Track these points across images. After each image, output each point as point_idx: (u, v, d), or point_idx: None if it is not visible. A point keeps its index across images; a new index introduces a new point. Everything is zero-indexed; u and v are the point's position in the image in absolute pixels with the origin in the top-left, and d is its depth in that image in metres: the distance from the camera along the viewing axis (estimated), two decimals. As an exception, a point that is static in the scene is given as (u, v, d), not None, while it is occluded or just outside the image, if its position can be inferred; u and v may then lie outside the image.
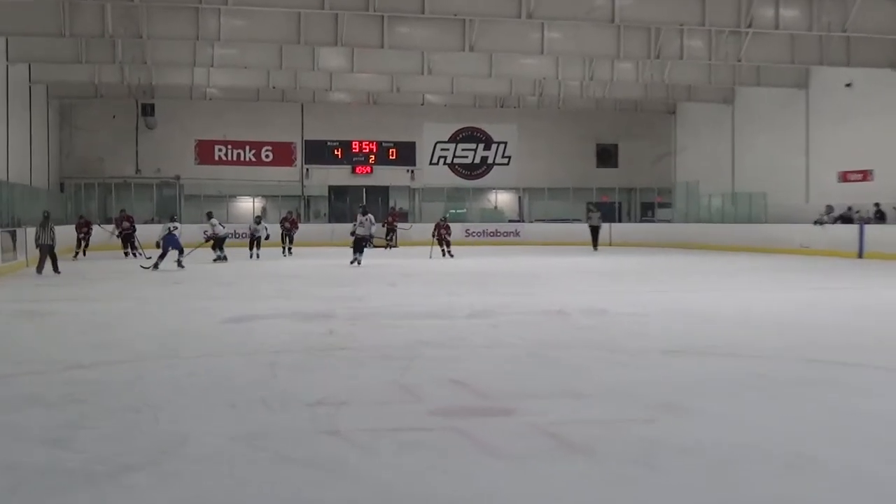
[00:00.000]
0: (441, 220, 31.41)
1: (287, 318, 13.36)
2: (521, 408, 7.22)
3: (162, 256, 24.17)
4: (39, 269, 22.09)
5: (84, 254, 29.95)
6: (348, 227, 38.30)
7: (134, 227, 31.16)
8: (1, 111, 29.66)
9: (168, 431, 6.57)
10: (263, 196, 43.47)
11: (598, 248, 35.85)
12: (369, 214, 26.16)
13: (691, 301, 16.17)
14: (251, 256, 29.35)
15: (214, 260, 27.20)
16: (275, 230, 32.33)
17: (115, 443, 6.29)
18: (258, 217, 32.51)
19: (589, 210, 37.76)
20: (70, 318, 13.73)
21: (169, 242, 24.26)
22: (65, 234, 28.84)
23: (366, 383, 8.28)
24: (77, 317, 13.82)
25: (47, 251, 22.25)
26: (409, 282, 20.57)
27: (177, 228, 24.55)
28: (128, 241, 30.69)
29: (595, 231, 36.38)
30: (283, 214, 33.53)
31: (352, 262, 25.09)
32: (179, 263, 24.29)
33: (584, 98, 40.67)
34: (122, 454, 6.00)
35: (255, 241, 30.06)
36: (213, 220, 28.20)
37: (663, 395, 7.71)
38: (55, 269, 22.32)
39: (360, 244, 25.55)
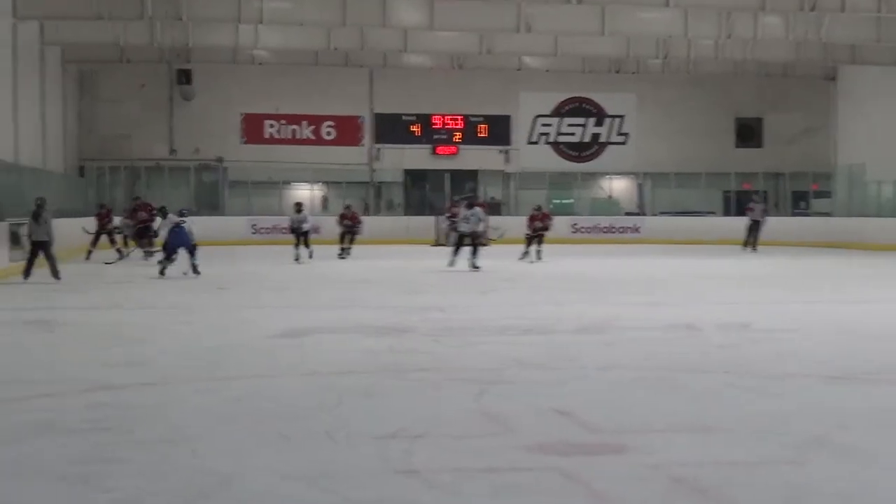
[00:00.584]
0: (535, 209, 30.28)
1: (353, 333, 13.46)
2: (639, 445, 7.22)
3: (168, 258, 23.13)
4: (26, 272, 21.21)
5: (120, 252, 28.82)
6: (426, 220, 38.70)
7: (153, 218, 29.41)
8: (6, 80, 30.12)
9: (208, 469, 6.65)
10: (324, 182, 43.80)
11: (756, 247, 34.57)
12: (477, 208, 26.12)
13: (852, 315, 15.99)
14: (296, 258, 28.17)
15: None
16: (329, 226, 32.25)
17: (144, 481, 6.38)
18: (299, 204, 30.23)
19: (752, 200, 36.08)
20: (92, 329, 13.99)
21: (177, 240, 23.13)
22: (74, 229, 29.34)
23: (449, 412, 8.34)
24: (100, 328, 14.07)
25: (40, 250, 21.41)
26: (505, 289, 20.60)
27: (185, 222, 23.45)
28: (144, 235, 29.34)
29: (756, 227, 34.87)
30: (342, 210, 33.17)
31: (449, 265, 24.93)
32: (194, 269, 23.11)
33: (720, 61, 40.35)
34: (153, 495, 6.10)
35: (301, 237, 28.74)
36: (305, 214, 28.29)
37: (815, 431, 7.65)
38: (54, 273, 21.38)
39: (462, 242, 25.54)
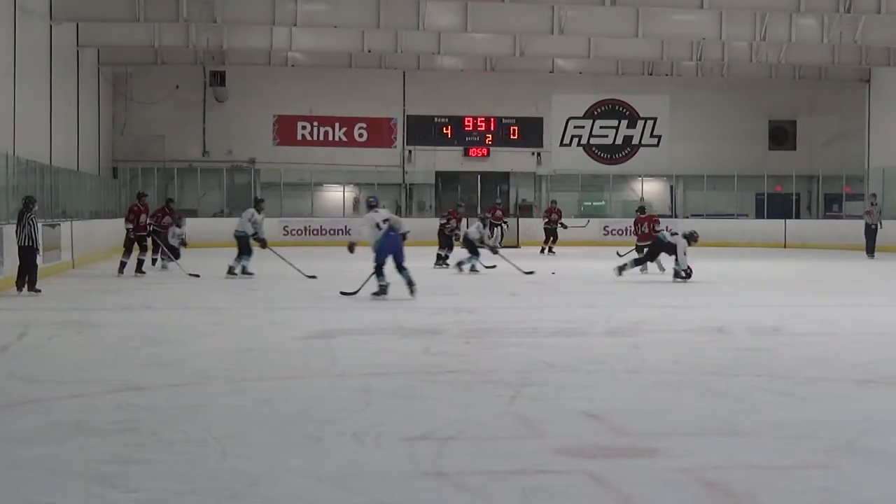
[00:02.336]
0: (551, 203, 30.16)
1: (383, 334, 13.51)
2: (668, 448, 7.19)
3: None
4: (18, 281, 18.92)
5: (155, 261, 26.17)
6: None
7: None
8: (43, 81, 30.30)
9: (238, 469, 6.66)
10: (356, 184, 43.84)
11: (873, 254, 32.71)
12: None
13: (884, 318, 15.90)
14: None
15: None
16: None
17: (173, 481, 6.39)
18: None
19: (872, 203, 34.51)
20: (123, 330, 14.04)
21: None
22: (106, 230, 29.41)
23: (478, 415, 8.32)
24: (131, 329, 14.13)
25: (23, 257, 18.94)
26: (535, 291, 20.59)
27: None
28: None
29: (874, 232, 32.84)
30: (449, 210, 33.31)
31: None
32: (236, 270, 23.26)
33: (755, 64, 40.19)
34: (182, 495, 6.11)
35: None
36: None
37: (845, 435, 7.60)
38: (30, 284, 18.97)
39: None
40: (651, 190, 45.83)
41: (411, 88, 43.73)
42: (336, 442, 7.37)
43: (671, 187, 45.52)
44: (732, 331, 13.81)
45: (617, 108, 45.25)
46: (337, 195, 43.38)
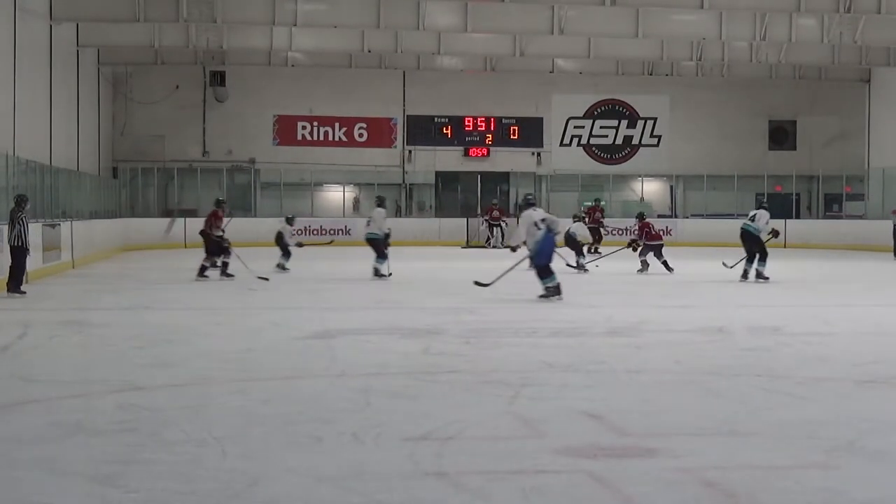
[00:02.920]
0: (595, 202, 30.42)
1: (384, 334, 13.50)
2: (668, 448, 7.20)
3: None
4: (10, 283, 18.52)
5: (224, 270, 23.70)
6: (457, 222, 38.78)
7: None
8: (43, 81, 30.30)
9: (238, 469, 6.67)
10: (356, 184, 43.83)
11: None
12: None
13: (884, 318, 15.92)
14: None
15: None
16: (357, 227, 32.27)
17: (173, 481, 6.40)
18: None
19: None
20: (124, 330, 14.05)
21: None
22: (106, 230, 29.48)
23: (478, 415, 8.33)
24: (132, 329, 14.13)
25: (13, 256, 18.58)
26: (534, 290, 20.58)
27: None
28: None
29: None
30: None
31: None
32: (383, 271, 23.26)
33: (755, 64, 40.18)
34: (182, 495, 6.12)
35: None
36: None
37: (846, 435, 7.62)
38: (16, 286, 18.52)
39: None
40: (651, 190, 45.80)
41: (411, 88, 43.71)
42: (336, 442, 7.37)
43: (671, 187, 45.49)
44: (732, 331, 13.83)
45: (617, 108, 45.23)
46: (337, 195, 43.36)
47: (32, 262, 20.67)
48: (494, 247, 37.17)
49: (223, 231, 23.36)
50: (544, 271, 18.19)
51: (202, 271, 22.90)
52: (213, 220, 23.41)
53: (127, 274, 24.33)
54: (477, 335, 13.34)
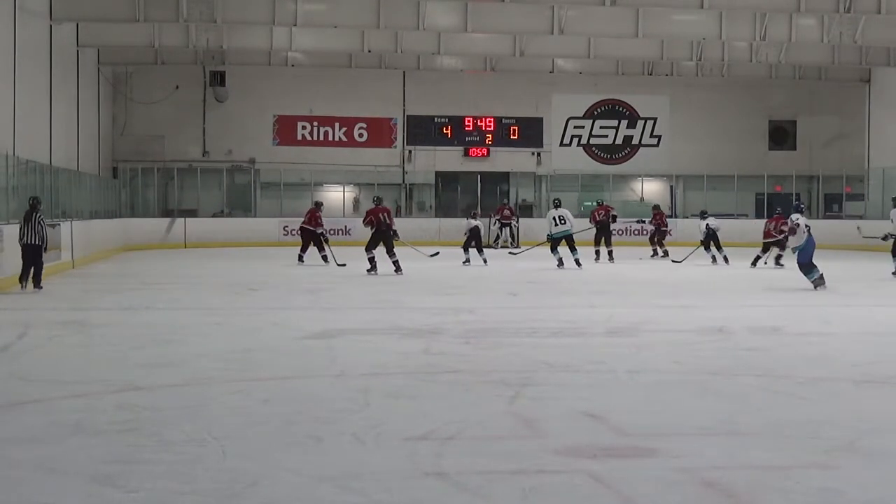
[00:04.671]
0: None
1: (383, 334, 13.51)
2: (669, 448, 7.20)
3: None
4: (23, 279, 19.57)
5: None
6: (457, 222, 38.68)
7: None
8: (43, 80, 30.30)
9: (237, 469, 6.67)
10: (356, 184, 43.80)
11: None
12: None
13: (884, 318, 15.92)
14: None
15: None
16: (357, 227, 32.28)
17: (173, 481, 6.40)
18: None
19: None
20: (124, 330, 14.05)
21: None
22: (106, 230, 29.44)
23: (478, 415, 8.32)
24: (132, 329, 14.13)
25: (31, 254, 19.66)
26: (534, 290, 20.59)
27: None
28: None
29: None
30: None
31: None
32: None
33: (755, 64, 40.15)
34: (182, 495, 6.12)
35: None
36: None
37: (846, 435, 7.61)
38: (36, 282, 19.64)
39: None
40: (651, 190, 45.77)
41: (411, 88, 43.70)
42: (336, 442, 7.37)
43: (671, 187, 45.47)
44: (732, 331, 13.81)
45: (617, 108, 45.22)
46: (337, 195, 43.30)
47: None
48: (503, 247, 37.14)
49: (322, 229, 27.93)
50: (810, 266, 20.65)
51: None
52: (312, 219, 28.01)
53: (127, 274, 24.34)
54: (477, 335, 13.34)
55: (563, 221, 26.21)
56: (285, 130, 43.35)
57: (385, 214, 24.64)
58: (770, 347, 12.44)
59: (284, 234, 38.57)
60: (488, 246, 36.78)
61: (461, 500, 6.08)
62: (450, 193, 44.03)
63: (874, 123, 43.66)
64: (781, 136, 45.61)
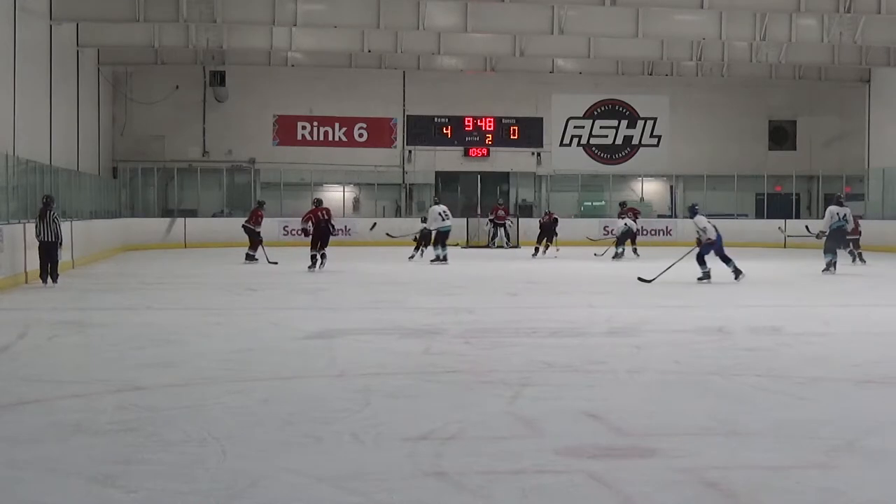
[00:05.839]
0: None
1: (383, 334, 13.51)
2: (669, 448, 7.20)
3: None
4: (43, 275, 20.78)
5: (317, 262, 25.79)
6: (457, 222, 38.68)
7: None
8: (43, 81, 30.30)
9: (237, 469, 6.66)
10: (356, 184, 43.84)
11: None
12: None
13: (885, 318, 15.92)
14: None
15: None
16: (357, 227, 32.39)
17: (173, 481, 6.40)
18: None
19: None
20: (123, 330, 14.04)
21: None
22: (106, 230, 29.43)
23: (478, 415, 8.32)
24: (132, 329, 14.13)
25: (47, 250, 20.85)
26: (534, 290, 20.59)
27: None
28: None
29: None
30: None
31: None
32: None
33: (755, 64, 40.14)
34: (182, 495, 6.11)
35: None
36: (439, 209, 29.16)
37: (845, 435, 7.61)
38: (53, 276, 20.86)
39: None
40: (651, 190, 45.81)
41: (411, 88, 43.73)
42: (336, 442, 7.37)
43: (671, 187, 45.48)
44: (732, 331, 13.81)
45: (617, 108, 45.25)
46: (337, 195, 43.29)
47: (32, 262, 21.28)
48: (499, 247, 37.18)
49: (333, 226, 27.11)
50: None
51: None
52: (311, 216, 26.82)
53: (127, 274, 24.34)
54: (477, 335, 13.34)
55: (447, 217, 28.19)
56: (285, 130, 43.38)
57: (323, 213, 25.92)
58: (770, 347, 12.43)
59: (284, 234, 38.58)
60: (484, 246, 36.94)
61: (461, 500, 6.08)
62: (450, 193, 44.01)
63: (874, 123, 43.62)
64: (781, 136, 45.64)
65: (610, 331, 13.83)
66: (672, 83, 44.44)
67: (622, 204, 34.92)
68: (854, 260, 27.57)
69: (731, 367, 10.89)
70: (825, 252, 24.61)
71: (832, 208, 24.81)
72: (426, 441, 7.36)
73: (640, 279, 21.65)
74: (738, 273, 21.81)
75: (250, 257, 28.27)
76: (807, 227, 25.44)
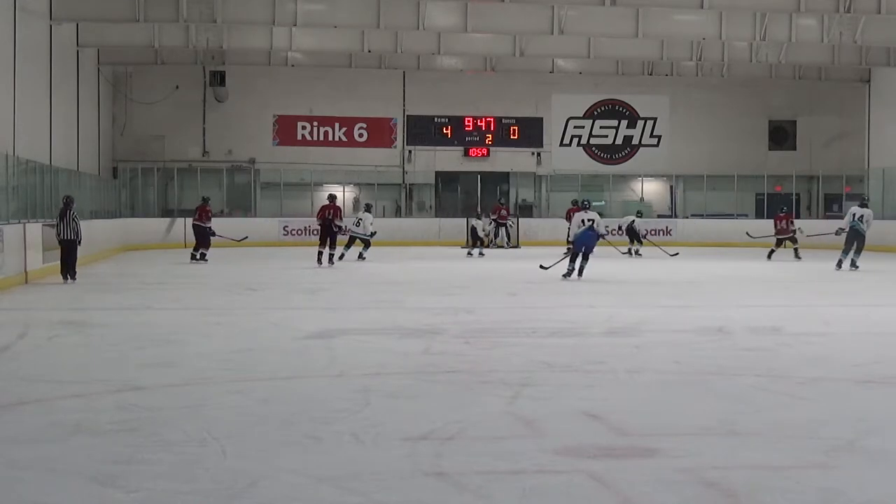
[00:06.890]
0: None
1: (382, 334, 13.51)
2: (668, 448, 7.19)
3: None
4: (63, 272, 21.53)
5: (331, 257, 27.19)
6: (457, 222, 38.77)
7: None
8: (43, 81, 30.33)
9: (237, 469, 6.66)
10: (356, 184, 43.84)
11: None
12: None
13: (884, 318, 15.91)
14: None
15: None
16: None
17: (173, 481, 6.39)
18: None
19: None
20: (123, 330, 14.03)
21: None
22: (106, 230, 29.41)
23: (478, 415, 8.31)
24: (132, 329, 14.12)
25: (67, 249, 21.57)
26: (534, 290, 20.58)
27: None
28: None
29: None
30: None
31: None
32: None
33: (755, 64, 40.17)
34: (182, 495, 6.11)
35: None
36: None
37: (845, 435, 7.61)
38: (71, 273, 21.61)
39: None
40: (651, 190, 45.81)
41: (411, 88, 43.74)
42: (336, 442, 7.36)
43: (671, 187, 45.49)
44: (732, 331, 13.80)
45: (617, 108, 45.26)
46: (337, 195, 43.25)
47: (32, 261, 21.43)
48: (500, 246, 37.14)
49: (342, 224, 27.91)
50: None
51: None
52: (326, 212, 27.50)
53: (127, 274, 24.33)
54: (477, 335, 13.35)
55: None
56: (285, 130, 43.39)
57: (329, 210, 26.79)
58: (770, 347, 12.43)
59: (284, 234, 38.62)
60: (487, 246, 36.91)
61: (461, 500, 6.07)
62: (450, 193, 44.06)
63: (874, 123, 43.64)
64: (781, 136, 45.65)
65: (610, 331, 13.83)
66: (672, 83, 44.45)
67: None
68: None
69: (730, 367, 10.90)
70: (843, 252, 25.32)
71: (853, 208, 25.25)
72: (426, 441, 7.35)
73: (541, 266, 23.46)
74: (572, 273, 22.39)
75: (198, 257, 28.56)
76: (748, 232, 27.19)
